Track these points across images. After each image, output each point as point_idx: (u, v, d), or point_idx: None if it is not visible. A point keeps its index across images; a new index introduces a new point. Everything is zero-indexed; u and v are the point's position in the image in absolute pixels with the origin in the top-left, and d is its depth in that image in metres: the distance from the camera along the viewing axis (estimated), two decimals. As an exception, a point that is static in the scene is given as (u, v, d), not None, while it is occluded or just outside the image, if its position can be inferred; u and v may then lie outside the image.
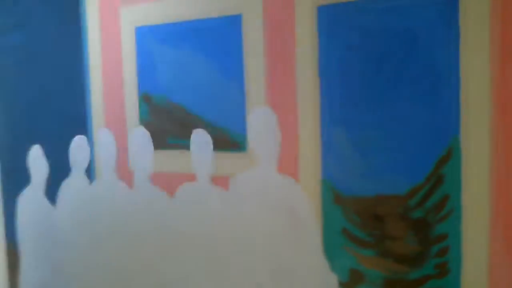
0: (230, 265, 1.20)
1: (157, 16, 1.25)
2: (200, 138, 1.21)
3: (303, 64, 1.09)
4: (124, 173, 1.32)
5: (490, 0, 0.91)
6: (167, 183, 1.26)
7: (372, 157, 1.03)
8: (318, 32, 1.06)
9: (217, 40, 1.18)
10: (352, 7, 1.03)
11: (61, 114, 1.39)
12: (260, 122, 1.14)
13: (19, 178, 1.50)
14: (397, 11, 0.99)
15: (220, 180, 1.20)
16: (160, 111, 1.26)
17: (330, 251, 1.09)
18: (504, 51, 0.91)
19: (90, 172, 1.37)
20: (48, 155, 1.43)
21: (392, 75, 1.00)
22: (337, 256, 1.08)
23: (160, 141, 1.27)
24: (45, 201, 1.45)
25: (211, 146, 1.20)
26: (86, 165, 1.37)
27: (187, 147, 1.23)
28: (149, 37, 1.26)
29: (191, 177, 1.23)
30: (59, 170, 1.42)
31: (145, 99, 1.28)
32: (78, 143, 1.38)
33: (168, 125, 1.25)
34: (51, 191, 1.44)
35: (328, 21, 1.05)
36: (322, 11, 1.06)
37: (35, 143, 1.45)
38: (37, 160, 1.45)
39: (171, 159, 1.25)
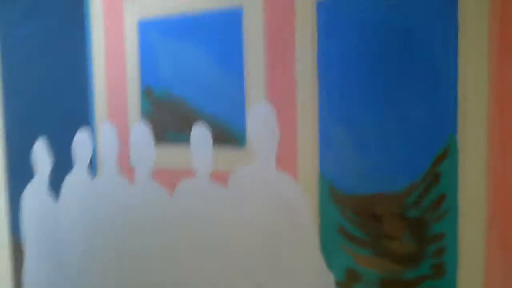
0: (228, 260, 1.19)
1: (160, 9, 1.24)
2: (200, 133, 1.20)
3: (302, 60, 1.07)
4: (126, 168, 1.32)
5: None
6: (167, 178, 1.26)
7: (370, 155, 1.01)
8: (318, 28, 1.05)
9: (218, 34, 1.17)
10: (352, 3, 1.01)
11: (65, 107, 1.39)
12: (259, 118, 1.13)
13: (24, 173, 1.50)
14: (397, 8, 0.97)
15: (219, 176, 1.19)
16: (162, 104, 1.25)
17: (327, 249, 1.07)
18: (502, 49, 0.89)
19: (93, 167, 1.37)
20: (52, 149, 1.43)
21: (391, 72, 0.98)
22: (334, 254, 1.07)
23: (161, 135, 1.26)
24: (49, 196, 1.45)
25: (211, 142, 1.19)
26: (88, 159, 1.37)
27: (187, 141, 1.22)
28: (152, 31, 1.26)
29: (191, 173, 1.22)
30: (63, 165, 1.42)
31: (147, 92, 1.27)
32: (81, 137, 1.38)
33: (169, 119, 1.24)
34: (55, 185, 1.44)
35: (328, 17, 1.04)
36: (322, 6, 1.05)
37: (39, 137, 1.45)
38: (41, 154, 1.45)
39: (172, 154, 1.25)
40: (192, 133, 1.21)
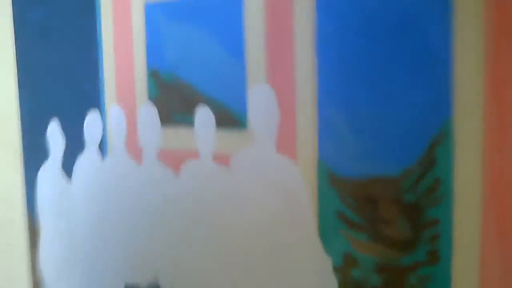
0: (228, 240, 1.20)
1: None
2: (203, 115, 1.21)
3: (300, 43, 1.06)
4: (134, 149, 1.33)
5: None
6: (173, 159, 1.27)
7: (367, 139, 1.00)
8: (316, 10, 1.04)
9: (220, 17, 1.17)
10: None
11: (76, 90, 1.41)
12: (260, 101, 1.13)
13: (40, 153, 1.53)
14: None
15: (221, 158, 1.19)
16: (168, 87, 1.26)
17: (325, 234, 1.07)
18: (498, 31, 0.86)
19: (103, 148, 1.39)
20: (65, 130, 1.45)
21: (388, 55, 0.96)
22: (332, 239, 1.06)
23: (167, 117, 1.27)
24: (62, 176, 1.48)
25: (214, 124, 1.19)
26: (99, 141, 1.39)
27: (191, 123, 1.23)
28: (158, 14, 1.26)
29: (195, 154, 1.23)
30: (75, 146, 1.44)
31: (153, 75, 1.28)
32: (91, 119, 1.40)
33: (174, 101, 1.25)
34: (68, 166, 1.47)
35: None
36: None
37: (53, 117, 1.47)
38: (54, 135, 1.48)
39: (177, 136, 1.26)
40: (196, 114, 1.22)
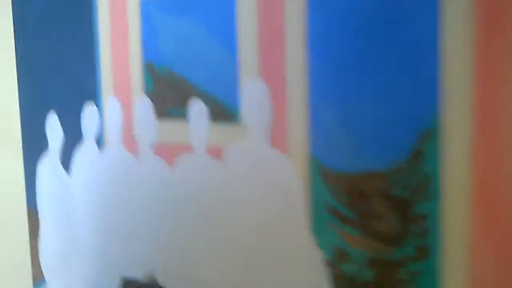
0: (221, 234, 1.21)
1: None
2: (197, 109, 1.21)
3: (292, 38, 1.06)
4: (130, 142, 1.34)
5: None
6: (168, 152, 1.27)
7: (357, 133, 1.00)
8: (308, 5, 1.04)
9: (213, 11, 1.17)
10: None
11: (74, 82, 1.42)
12: (252, 94, 1.13)
13: (39, 145, 1.54)
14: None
15: (215, 151, 1.20)
16: (163, 80, 1.26)
17: (317, 228, 1.07)
18: (487, 27, 0.86)
19: (100, 140, 1.40)
20: (63, 123, 1.46)
21: (377, 51, 0.96)
22: (323, 233, 1.06)
23: (162, 111, 1.28)
24: (61, 169, 1.49)
25: (207, 118, 1.20)
26: (96, 133, 1.40)
27: (186, 117, 1.23)
28: (153, 8, 1.26)
29: (189, 147, 1.24)
30: (73, 138, 1.45)
31: (149, 68, 1.29)
32: (89, 112, 1.40)
33: (169, 94, 1.26)
34: (66, 158, 1.48)
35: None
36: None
37: (52, 110, 1.48)
38: (53, 127, 1.49)
39: (172, 129, 1.26)
40: (190, 108, 1.22)
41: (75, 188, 1.47)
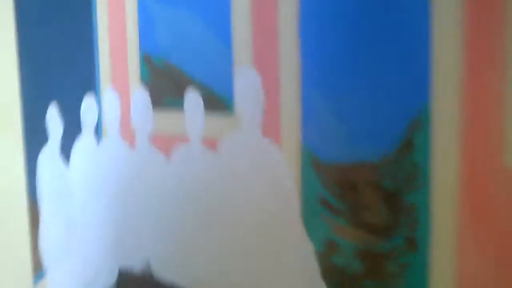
0: (215, 223, 1.22)
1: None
2: (192, 100, 1.21)
3: (285, 30, 1.06)
4: (127, 132, 1.35)
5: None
6: (164, 143, 1.28)
7: (348, 124, 1.00)
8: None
9: (209, 3, 1.17)
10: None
11: (74, 74, 1.43)
12: (246, 85, 1.13)
13: (40, 137, 1.55)
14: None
15: (210, 142, 1.20)
16: (160, 71, 1.27)
17: (308, 219, 1.07)
18: (475, 18, 0.85)
19: (98, 131, 1.41)
20: (63, 114, 1.47)
21: (368, 41, 0.96)
22: (315, 225, 1.06)
23: (158, 101, 1.28)
24: (60, 160, 1.50)
25: (202, 108, 1.20)
26: (95, 124, 1.41)
27: (182, 107, 1.24)
28: (150, 0, 1.27)
29: (185, 138, 1.24)
30: (73, 129, 1.46)
31: (146, 60, 1.30)
32: (88, 103, 1.41)
33: (166, 85, 1.26)
34: (66, 149, 1.49)
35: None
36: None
37: (52, 102, 1.49)
38: (53, 119, 1.49)
39: (168, 120, 1.27)
40: (185, 99, 1.23)
41: (74, 179, 1.47)
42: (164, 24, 1.25)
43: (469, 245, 0.89)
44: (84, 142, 1.43)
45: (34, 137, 1.56)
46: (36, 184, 1.58)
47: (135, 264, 1.38)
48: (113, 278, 1.45)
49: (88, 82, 1.40)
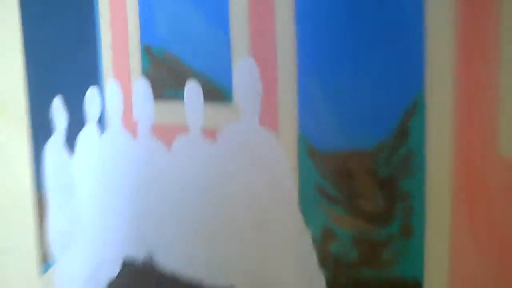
0: (215, 210, 1.23)
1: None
2: (192, 90, 1.22)
3: (282, 20, 1.07)
4: (130, 123, 1.36)
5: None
6: (165, 133, 1.29)
7: (343, 112, 1.00)
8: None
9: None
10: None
11: (77, 67, 1.44)
12: (245, 75, 1.14)
13: (46, 128, 1.56)
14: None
15: (209, 132, 1.21)
16: (160, 62, 1.28)
17: (305, 207, 1.08)
18: (469, 5, 0.85)
19: (102, 123, 1.42)
20: (67, 106, 1.49)
21: (363, 29, 0.96)
22: (312, 213, 1.07)
23: (159, 92, 1.29)
24: (66, 151, 1.51)
25: (202, 98, 1.21)
26: (98, 116, 1.43)
27: (182, 98, 1.25)
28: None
29: (185, 129, 1.25)
30: (77, 121, 1.48)
31: (147, 51, 1.31)
32: (91, 95, 1.43)
33: (166, 76, 1.27)
34: (71, 141, 1.50)
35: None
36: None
37: (57, 94, 1.51)
38: (58, 112, 1.51)
39: (168, 110, 1.28)
40: (186, 89, 1.24)
41: (78, 170, 1.49)
42: (164, 15, 1.26)
43: (464, 231, 0.89)
44: (88, 134, 1.45)
45: (40, 130, 1.58)
46: (42, 176, 1.60)
47: (138, 253, 1.40)
48: (117, 268, 1.47)
49: (91, 75, 1.41)
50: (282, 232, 1.10)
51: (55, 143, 1.54)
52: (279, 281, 1.12)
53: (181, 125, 1.25)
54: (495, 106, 0.85)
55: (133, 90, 1.34)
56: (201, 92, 1.20)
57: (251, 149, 1.14)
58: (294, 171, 1.07)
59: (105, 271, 1.50)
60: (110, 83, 1.38)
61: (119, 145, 1.38)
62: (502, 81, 0.84)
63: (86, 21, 1.41)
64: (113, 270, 1.49)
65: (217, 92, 1.18)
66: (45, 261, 1.64)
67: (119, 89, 1.37)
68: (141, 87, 1.32)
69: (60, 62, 1.47)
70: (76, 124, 1.47)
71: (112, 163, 1.40)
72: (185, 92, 1.23)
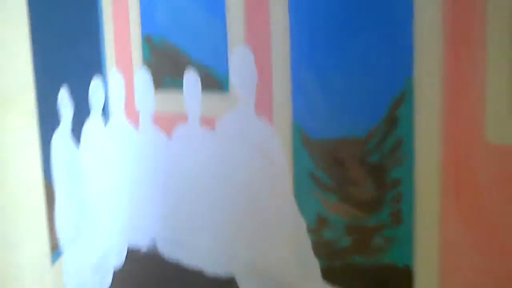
0: (213, 197, 1.24)
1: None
2: (190, 79, 1.23)
3: (276, 9, 1.07)
4: (132, 113, 1.38)
5: None
6: (165, 122, 1.31)
7: (335, 101, 1.00)
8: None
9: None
10: None
11: (82, 58, 1.46)
12: (240, 64, 1.14)
13: (53, 119, 1.59)
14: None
15: (207, 121, 1.22)
16: (160, 52, 1.30)
17: (300, 195, 1.08)
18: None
19: (105, 112, 1.44)
20: (73, 97, 1.51)
21: (354, 18, 0.96)
22: (306, 200, 1.07)
23: (159, 81, 1.31)
24: (72, 142, 1.53)
25: (200, 87, 1.22)
26: (102, 105, 1.45)
27: (181, 87, 1.26)
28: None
29: (185, 117, 1.26)
30: (82, 111, 1.49)
31: (147, 41, 1.32)
32: (95, 85, 1.44)
33: (166, 65, 1.28)
34: (77, 131, 1.52)
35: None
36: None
37: (64, 84, 1.53)
38: (64, 102, 1.53)
39: (168, 99, 1.29)
40: (184, 78, 1.25)
41: (84, 160, 1.51)
42: (163, 6, 1.27)
43: (452, 218, 0.89)
44: (93, 123, 1.47)
45: (48, 120, 1.60)
46: (50, 166, 1.63)
47: (142, 241, 1.41)
48: (123, 257, 1.49)
49: (95, 65, 1.43)
50: (277, 217, 1.11)
51: (62, 133, 1.56)
52: (276, 268, 1.13)
53: (180, 114, 1.26)
54: (483, 93, 0.84)
55: (135, 80, 1.35)
56: (199, 81, 1.21)
57: (248, 138, 1.14)
58: (289, 159, 1.08)
59: (111, 260, 1.52)
60: (113, 73, 1.40)
61: (122, 135, 1.40)
62: (489, 68, 0.83)
63: (90, 13, 1.42)
64: (119, 259, 1.51)
65: (214, 81, 1.19)
66: (55, 250, 1.66)
67: (121, 79, 1.39)
68: (142, 77, 1.33)
69: (66, 56, 1.49)
70: (81, 114, 1.49)
71: (116, 153, 1.42)
72: (184, 82, 1.24)
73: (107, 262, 1.53)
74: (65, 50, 1.50)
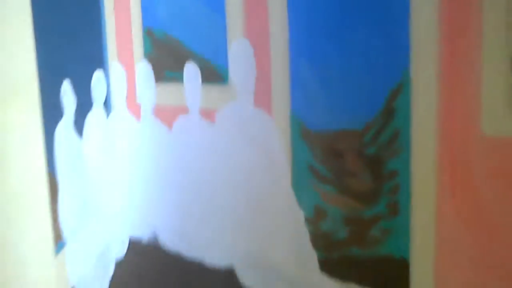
0: (213, 189, 1.25)
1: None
2: (190, 72, 1.24)
3: (274, 3, 1.08)
4: (133, 105, 1.39)
5: None
6: (166, 114, 1.32)
7: (333, 93, 1.01)
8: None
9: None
10: None
11: (84, 50, 1.47)
12: (240, 57, 1.15)
13: (56, 112, 1.60)
14: None
15: (207, 113, 1.23)
16: (161, 45, 1.30)
17: (298, 186, 1.09)
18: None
19: (107, 105, 1.45)
20: (76, 90, 1.52)
21: (352, 13, 0.97)
22: (304, 192, 1.08)
23: (160, 74, 1.32)
24: (75, 134, 1.55)
25: (200, 80, 1.23)
26: (104, 98, 1.46)
27: (181, 79, 1.27)
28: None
29: (184, 109, 1.27)
30: (85, 104, 1.50)
31: (148, 34, 1.33)
32: (97, 78, 1.45)
33: (166, 58, 1.29)
34: (79, 123, 1.53)
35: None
36: None
37: (65, 79, 1.53)
38: (67, 95, 1.54)
39: (169, 92, 1.30)
40: (184, 71, 1.26)
41: (86, 152, 1.52)
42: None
43: (449, 209, 0.90)
44: (95, 116, 1.48)
45: (51, 113, 1.61)
46: (54, 157, 1.64)
47: (144, 235, 1.43)
48: (124, 248, 1.50)
49: (97, 58, 1.44)
50: (276, 211, 1.12)
51: (65, 125, 1.57)
52: (275, 260, 1.14)
53: (181, 106, 1.27)
54: (478, 85, 0.85)
55: (136, 72, 1.36)
56: (199, 73, 1.22)
57: (247, 130, 1.15)
58: (287, 150, 1.09)
59: (113, 251, 1.53)
60: (115, 66, 1.41)
61: (124, 126, 1.41)
62: (486, 61, 0.84)
63: (92, 7, 1.43)
64: (121, 250, 1.52)
65: (214, 73, 1.20)
66: (59, 241, 1.68)
67: (123, 71, 1.40)
68: (143, 69, 1.34)
69: (69, 48, 1.50)
70: (84, 106, 1.50)
71: (118, 145, 1.43)
72: (184, 74, 1.25)
73: (110, 253, 1.55)
74: (68, 43, 1.51)
